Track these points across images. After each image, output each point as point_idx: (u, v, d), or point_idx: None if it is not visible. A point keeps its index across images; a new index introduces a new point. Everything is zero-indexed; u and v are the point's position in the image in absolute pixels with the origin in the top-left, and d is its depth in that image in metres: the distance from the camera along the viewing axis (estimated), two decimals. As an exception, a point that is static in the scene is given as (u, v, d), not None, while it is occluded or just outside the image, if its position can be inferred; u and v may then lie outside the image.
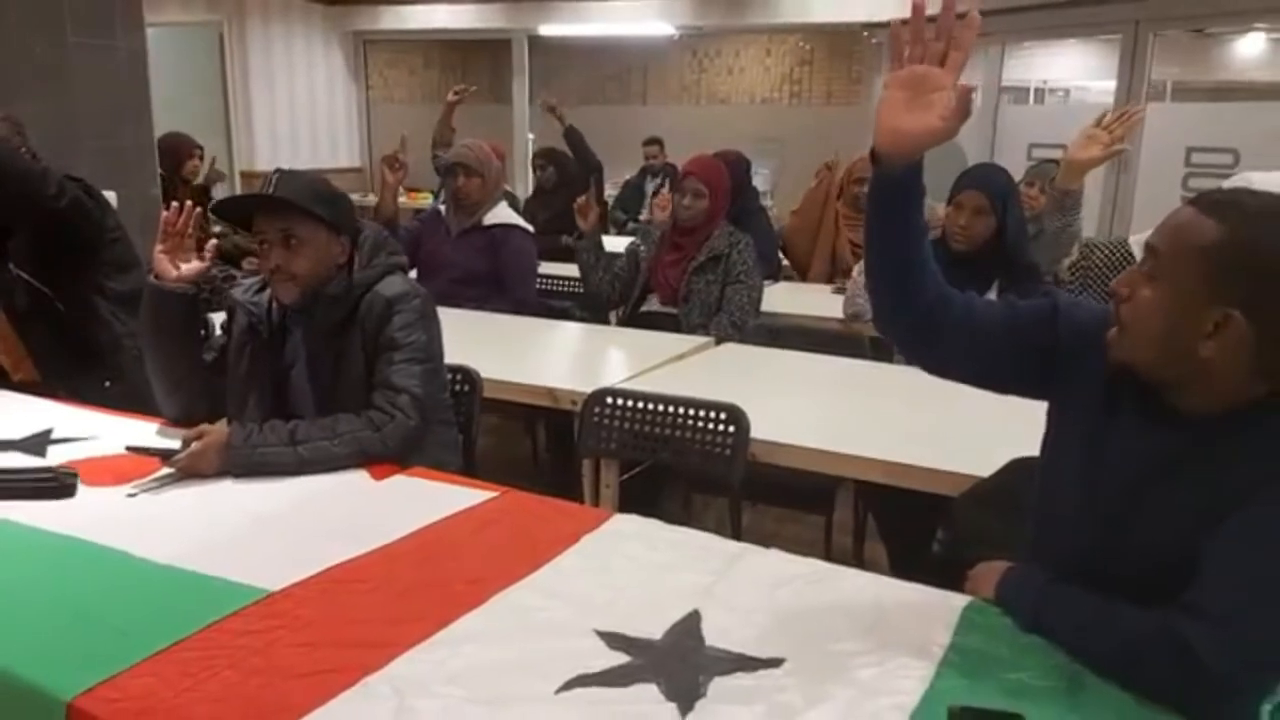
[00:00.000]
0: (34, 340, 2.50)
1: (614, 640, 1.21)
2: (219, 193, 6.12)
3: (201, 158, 5.71)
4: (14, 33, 3.97)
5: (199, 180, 5.68)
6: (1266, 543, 1.07)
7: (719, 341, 2.94)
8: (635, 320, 3.21)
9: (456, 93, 4.53)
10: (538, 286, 3.83)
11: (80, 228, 2.50)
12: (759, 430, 2.06)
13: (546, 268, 4.32)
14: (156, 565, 1.39)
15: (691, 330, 3.04)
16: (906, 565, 2.02)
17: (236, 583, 1.32)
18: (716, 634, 1.23)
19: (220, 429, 1.74)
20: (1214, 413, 1.15)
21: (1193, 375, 1.14)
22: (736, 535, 2.01)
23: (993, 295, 2.72)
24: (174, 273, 1.91)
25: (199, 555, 1.40)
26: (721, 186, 3.13)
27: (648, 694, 1.10)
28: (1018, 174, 4.90)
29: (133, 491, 1.67)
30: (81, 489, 1.67)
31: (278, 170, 1.91)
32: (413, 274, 3.28)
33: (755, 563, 1.44)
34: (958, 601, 1.32)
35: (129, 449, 1.76)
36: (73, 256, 2.53)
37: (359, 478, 1.76)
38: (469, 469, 2.13)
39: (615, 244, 3.69)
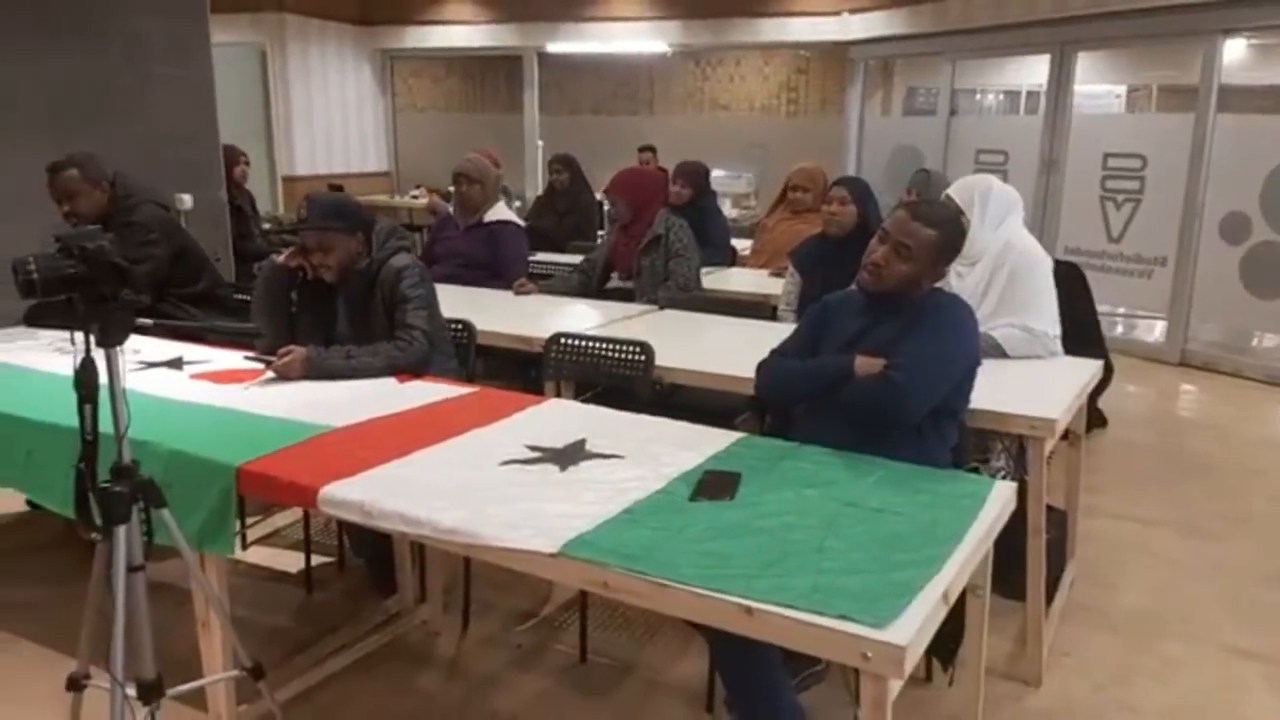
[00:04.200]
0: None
1: (534, 448, 2.16)
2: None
3: (248, 163, 6.67)
4: (109, 65, 4.97)
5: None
6: (918, 343, 2.19)
7: (661, 308, 3.87)
8: (601, 295, 4.15)
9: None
10: (533, 270, 4.76)
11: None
12: (670, 360, 2.99)
13: (544, 256, 5.27)
14: (270, 417, 2.36)
15: (645, 298, 3.97)
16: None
17: (315, 423, 2.29)
18: (593, 447, 2.17)
19: (302, 348, 2.70)
20: (897, 300, 2.30)
21: (910, 288, 2.30)
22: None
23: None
24: (282, 258, 2.88)
25: (294, 412, 2.38)
26: (632, 187, 4.14)
27: (547, 467, 2.05)
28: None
29: (247, 387, 2.64)
30: (213, 386, 2.64)
31: (307, 197, 2.87)
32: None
33: (631, 418, 2.39)
34: (740, 435, 2.25)
35: (246, 358, 2.74)
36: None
37: (389, 382, 2.71)
38: (466, 389, 3.08)
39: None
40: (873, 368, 2.19)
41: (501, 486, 1.93)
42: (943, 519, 1.78)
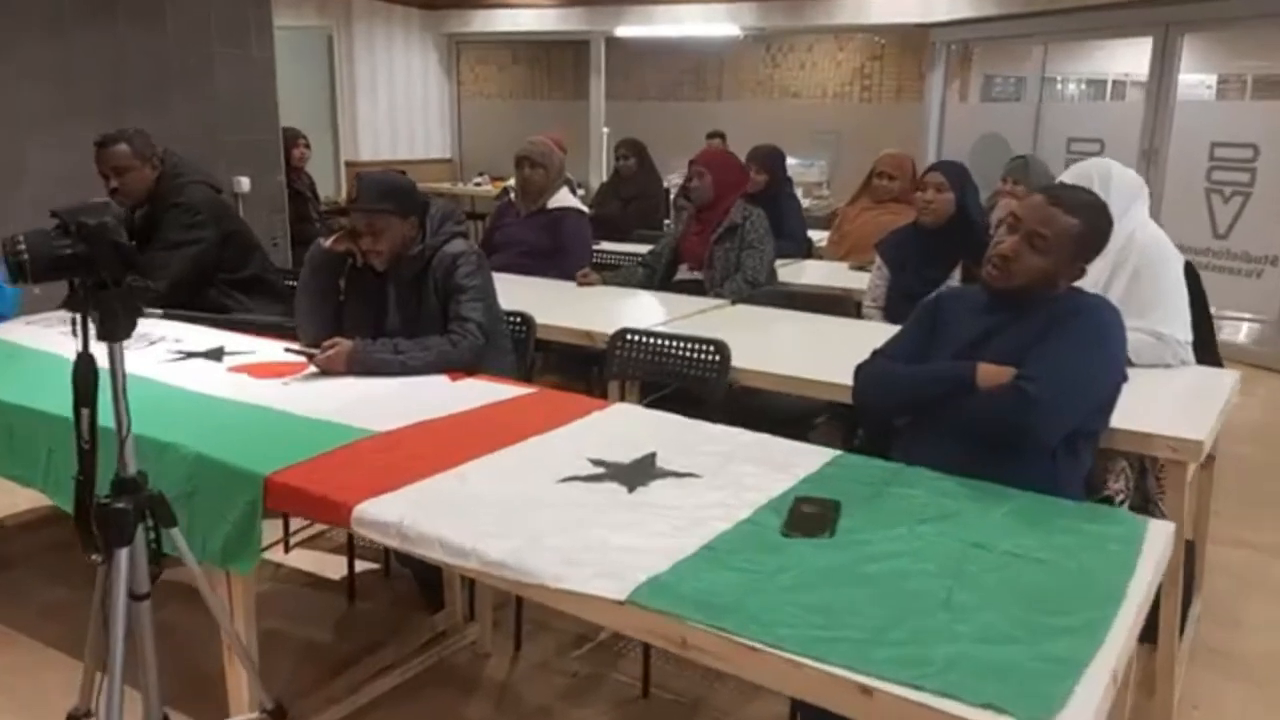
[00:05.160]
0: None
1: (598, 463, 1.88)
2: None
3: (308, 146, 6.50)
4: (169, 45, 4.83)
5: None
6: (1057, 351, 1.87)
7: (734, 302, 3.57)
8: (669, 287, 3.87)
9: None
10: (597, 260, 4.49)
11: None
12: (746, 362, 2.70)
13: (608, 245, 5.00)
14: (307, 417, 2.12)
15: (715, 290, 3.69)
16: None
17: (356, 426, 2.05)
18: (664, 463, 1.89)
19: (347, 341, 2.47)
20: (1027, 300, 1.98)
21: (1043, 287, 1.98)
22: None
23: (956, 275, 3.29)
24: (329, 242, 2.64)
25: (333, 413, 2.14)
26: (723, 168, 3.80)
27: (612, 486, 1.78)
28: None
29: (286, 382, 2.41)
30: (250, 380, 2.43)
31: (358, 175, 2.63)
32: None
33: (705, 429, 2.10)
34: (833, 452, 1.95)
35: (286, 350, 2.51)
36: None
37: (440, 380, 2.47)
38: (523, 388, 2.82)
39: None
40: (1000, 377, 1.87)
41: (560, 509, 1.66)
42: (1095, 569, 1.46)
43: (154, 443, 1.94)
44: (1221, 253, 6.34)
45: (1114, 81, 11.07)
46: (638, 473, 1.83)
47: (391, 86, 9.88)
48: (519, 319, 3.03)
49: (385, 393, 2.33)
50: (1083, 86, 11.23)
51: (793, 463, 1.89)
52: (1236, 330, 6.76)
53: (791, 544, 1.53)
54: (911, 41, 8.99)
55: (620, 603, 1.35)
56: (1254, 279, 6.20)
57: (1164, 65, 6.60)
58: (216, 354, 2.68)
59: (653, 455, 1.92)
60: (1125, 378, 1.97)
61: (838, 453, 1.96)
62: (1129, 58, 9.88)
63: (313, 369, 2.46)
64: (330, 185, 8.89)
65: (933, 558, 1.49)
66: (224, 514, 1.82)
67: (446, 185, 10.14)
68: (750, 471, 1.84)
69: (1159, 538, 1.60)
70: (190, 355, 2.66)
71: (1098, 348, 1.90)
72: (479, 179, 9.91)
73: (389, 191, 2.60)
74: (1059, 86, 10.81)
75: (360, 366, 2.44)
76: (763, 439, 2.05)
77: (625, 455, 1.92)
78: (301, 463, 1.84)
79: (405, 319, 2.63)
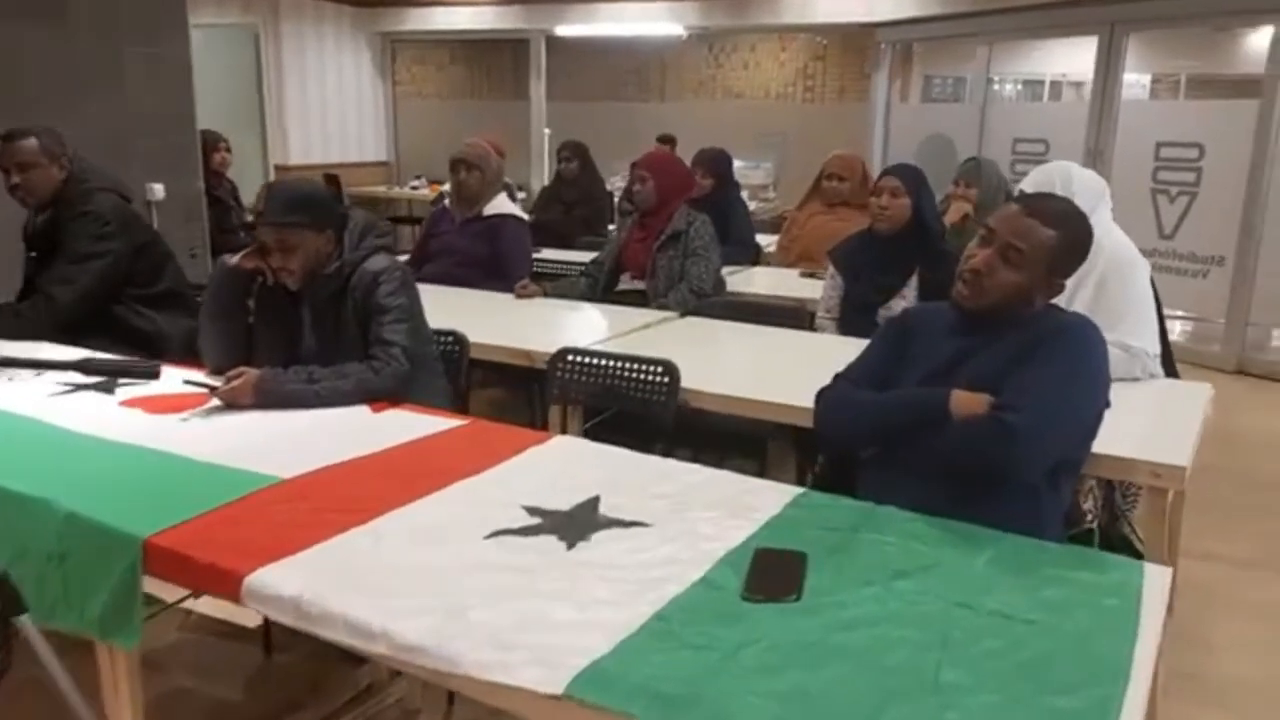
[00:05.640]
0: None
1: (533, 511, 1.67)
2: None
3: (229, 150, 6.15)
4: (75, 44, 4.49)
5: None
6: (1040, 377, 1.71)
7: (682, 314, 3.38)
8: (610, 298, 3.66)
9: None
10: (538, 270, 4.27)
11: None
12: (696, 382, 2.51)
13: (550, 253, 4.78)
14: (203, 462, 1.88)
15: (659, 301, 3.49)
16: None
17: (260, 473, 1.81)
18: (608, 509, 1.68)
19: (255, 370, 2.22)
20: (1001, 319, 1.82)
21: (1018, 305, 1.82)
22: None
23: (913, 283, 3.14)
24: (236, 259, 2.39)
25: (234, 456, 1.89)
26: (666, 172, 3.63)
27: (548, 541, 1.56)
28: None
29: (185, 418, 2.16)
30: (144, 416, 2.17)
31: (268, 185, 2.37)
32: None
33: (655, 465, 1.90)
34: (794, 490, 1.77)
35: (186, 382, 2.26)
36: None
37: (361, 411, 2.23)
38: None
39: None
40: (975, 405, 1.70)
41: (488, 573, 1.45)
42: (1094, 632, 1.29)
43: (21, 498, 1.69)
44: (1168, 253, 6.32)
45: (1051, 82, 11.14)
46: (578, 523, 1.62)
47: (323, 87, 9.53)
48: (451, 338, 2.80)
49: (296, 429, 2.09)
50: (1019, 87, 11.29)
51: (751, 505, 1.69)
52: (1184, 332, 6.76)
53: (754, 610, 1.34)
54: (854, 42, 8.91)
55: (556, 697, 1.14)
56: (1200, 279, 6.19)
57: (1109, 65, 6.58)
58: (108, 386, 2.40)
59: (596, 499, 1.72)
60: (1109, 403, 1.81)
61: (799, 491, 1.77)
62: (1066, 58, 9.94)
63: (216, 402, 2.21)
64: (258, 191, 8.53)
65: (914, 622, 1.30)
66: (100, 581, 1.58)
67: (383, 189, 9.83)
68: (705, 517, 1.64)
69: (1157, 585, 1.43)
70: (80, 387, 2.39)
71: (1083, 371, 1.74)
72: (416, 182, 9.61)
73: (301, 202, 2.35)
74: (996, 87, 10.86)
75: (269, 398, 2.20)
76: (718, 476, 1.86)
77: (565, 500, 1.71)
78: (189, 520, 1.59)
79: (321, 343, 2.39)
